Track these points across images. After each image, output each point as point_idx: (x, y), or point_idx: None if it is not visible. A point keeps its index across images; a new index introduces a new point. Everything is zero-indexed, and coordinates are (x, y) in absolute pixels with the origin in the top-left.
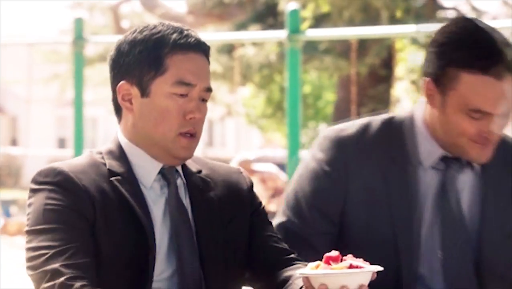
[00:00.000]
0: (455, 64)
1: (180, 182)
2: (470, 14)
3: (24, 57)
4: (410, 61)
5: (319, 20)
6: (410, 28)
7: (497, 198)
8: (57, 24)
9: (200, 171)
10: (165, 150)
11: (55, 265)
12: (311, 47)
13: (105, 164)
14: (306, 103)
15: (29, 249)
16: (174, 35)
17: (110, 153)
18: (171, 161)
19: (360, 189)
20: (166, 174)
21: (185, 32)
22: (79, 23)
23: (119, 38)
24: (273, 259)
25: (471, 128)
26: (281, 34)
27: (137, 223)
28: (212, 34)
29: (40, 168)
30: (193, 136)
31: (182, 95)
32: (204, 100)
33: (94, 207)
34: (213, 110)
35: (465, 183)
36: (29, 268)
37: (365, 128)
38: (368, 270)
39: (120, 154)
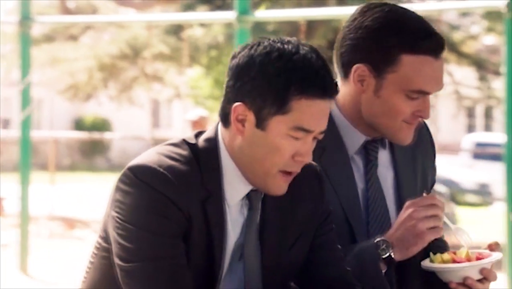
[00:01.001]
0: (396, 47)
1: (259, 201)
2: None
3: None
4: None
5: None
6: None
7: (405, 171)
8: (2, 4)
9: None
10: (261, 181)
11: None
12: (259, 29)
13: (201, 176)
14: None
15: (120, 245)
16: (307, 77)
17: (207, 163)
18: (260, 188)
19: None
20: (251, 197)
21: (320, 74)
22: (25, 3)
23: (66, 18)
24: (331, 285)
25: (408, 108)
26: (230, 15)
27: (211, 249)
28: (160, 15)
29: (146, 163)
30: (292, 174)
31: (297, 138)
32: (314, 139)
33: (189, 225)
34: (160, 92)
35: (383, 161)
36: (119, 266)
37: None
38: None
39: (216, 167)
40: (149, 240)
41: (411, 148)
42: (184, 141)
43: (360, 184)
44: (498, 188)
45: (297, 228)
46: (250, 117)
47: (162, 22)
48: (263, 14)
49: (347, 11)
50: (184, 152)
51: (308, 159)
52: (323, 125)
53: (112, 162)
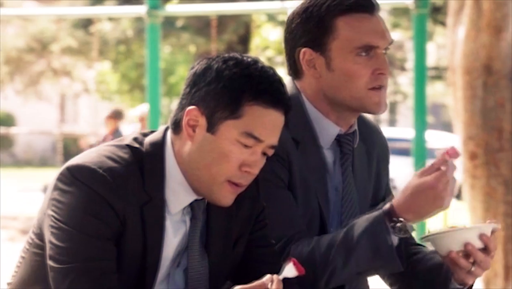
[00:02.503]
0: (328, 14)
1: (203, 208)
2: None
3: None
4: (266, 37)
5: None
6: (269, 5)
7: (360, 169)
8: None
9: None
10: (207, 190)
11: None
12: (168, 24)
13: (143, 181)
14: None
15: (52, 245)
16: (262, 85)
17: (151, 167)
18: (207, 198)
19: (294, 176)
20: (194, 207)
21: (275, 85)
22: None
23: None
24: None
25: (364, 69)
26: (141, 9)
27: (145, 254)
28: (70, 9)
29: (86, 163)
30: (239, 186)
31: (246, 146)
32: (264, 154)
33: (123, 228)
34: (68, 87)
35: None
36: (50, 267)
37: None
38: None
39: (159, 173)
40: (80, 241)
41: (366, 151)
42: (127, 145)
43: (334, 177)
44: (402, 182)
45: (239, 229)
46: (202, 122)
47: (71, 16)
48: (174, 8)
49: (258, 6)
50: (125, 155)
51: (256, 171)
52: (273, 138)
53: (17, 157)
